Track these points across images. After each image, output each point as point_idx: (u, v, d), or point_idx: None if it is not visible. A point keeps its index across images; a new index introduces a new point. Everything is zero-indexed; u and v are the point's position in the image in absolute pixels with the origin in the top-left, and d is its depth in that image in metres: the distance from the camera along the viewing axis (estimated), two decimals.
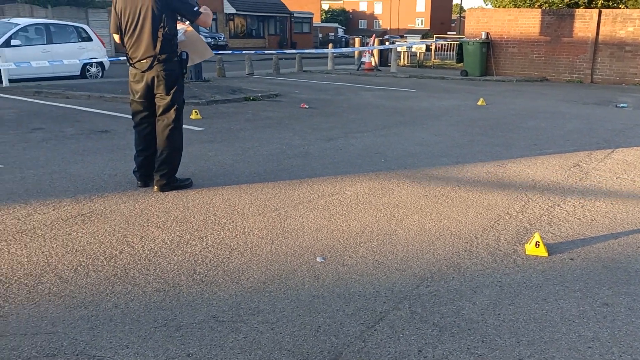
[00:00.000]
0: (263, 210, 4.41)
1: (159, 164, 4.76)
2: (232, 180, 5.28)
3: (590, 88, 15.68)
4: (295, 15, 46.17)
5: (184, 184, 4.94)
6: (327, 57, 21.25)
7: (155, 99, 4.72)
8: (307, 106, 10.48)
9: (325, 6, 76.26)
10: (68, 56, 13.67)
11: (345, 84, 15.74)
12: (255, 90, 12.66)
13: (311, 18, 49.47)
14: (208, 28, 4.40)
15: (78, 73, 14.55)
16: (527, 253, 3.67)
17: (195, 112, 8.85)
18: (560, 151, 6.93)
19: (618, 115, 10.39)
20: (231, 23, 41.82)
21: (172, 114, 4.71)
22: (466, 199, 4.86)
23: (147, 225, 4.00)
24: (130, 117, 4.99)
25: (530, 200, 4.86)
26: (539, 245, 3.67)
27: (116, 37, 4.80)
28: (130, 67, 4.76)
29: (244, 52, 18.75)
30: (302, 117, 9.30)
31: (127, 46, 4.66)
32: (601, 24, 16.45)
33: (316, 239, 3.83)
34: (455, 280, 3.25)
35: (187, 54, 4.80)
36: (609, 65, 16.62)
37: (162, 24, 4.51)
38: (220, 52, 16.74)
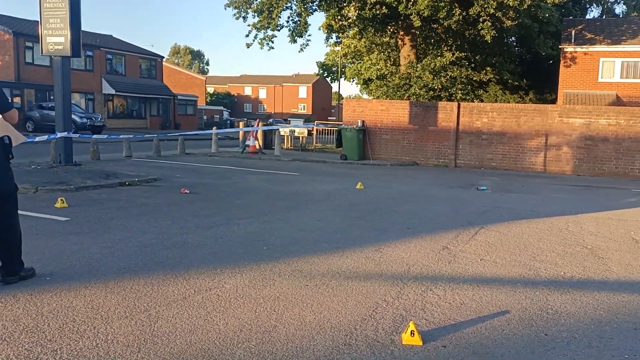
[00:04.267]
0: (131, 311, 4.06)
1: None
2: (97, 277, 4.85)
3: (455, 172, 17.18)
4: (179, 97, 46.19)
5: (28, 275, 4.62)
6: (211, 140, 21.26)
7: None
8: (188, 191, 10.23)
9: (211, 89, 77.48)
10: None
11: (230, 167, 15.72)
12: (132, 174, 12.15)
13: (195, 100, 49.79)
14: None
15: None
16: (403, 343, 3.72)
17: (62, 200, 8.19)
18: (431, 233, 7.35)
19: (479, 197, 11.38)
20: (110, 103, 40.70)
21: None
22: (346, 286, 4.89)
23: None
24: None
25: (405, 285, 5.01)
26: (414, 334, 3.74)
27: None
28: None
29: (121, 136, 18.10)
30: (182, 203, 9.03)
31: None
32: (460, 115, 18.40)
33: (190, 342, 3.58)
34: None
35: (9, 138, 4.58)
36: (469, 151, 18.45)
37: None
38: (94, 136, 16.04)
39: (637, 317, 4.39)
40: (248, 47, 25.87)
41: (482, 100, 29.22)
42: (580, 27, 29.57)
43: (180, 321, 3.93)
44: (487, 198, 11.34)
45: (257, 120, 23.50)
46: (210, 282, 4.87)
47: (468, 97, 27.16)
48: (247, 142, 20.68)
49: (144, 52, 44.28)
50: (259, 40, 24.31)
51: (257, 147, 20.40)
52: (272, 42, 24.32)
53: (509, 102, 27.51)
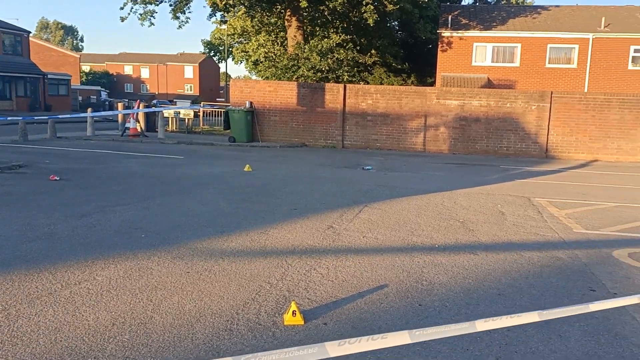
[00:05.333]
0: None
1: None
2: None
3: (342, 153, 17.60)
4: (49, 76, 42.39)
5: None
6: (87, 122, 19.79)
7: None
8: (57, 178, 9.43)
9: (86, 68, 72.10)
10: None
11: (107, 152, 14.76)
12: None
13: (68, 80, 46.06)
14: None
15: None
16: (285, 324, 3.71)
17: None
18: (317, 213, 7.44)
19: (364, 177, 11.75)
20: None
21: None
22: (229, 271, 4.79)
23: None
24: None
25: (290, 266, 5.02)
26: (295, 314, 3.75)
27: None
28: None
29: None
30: (51, 191, 8.31)
31: None
32: (347, 97, 18.80)
33: (54, 341, 3.28)
34: None
35: None
36: (355, 132, 18.97)
37: None
38: None
39: (501, 284, 4.77)
40: (122, 21, 24.27)
41: (367, 83, 30.18)
42: (456, 12, 31.44)
43: (45, 319, 3.60)
44: (371, 177, 11.74)
45: (138, 101, 22.25)
46: (81, 274, 4.52)
47: (354, 79, 27.87)
48: (127, 125, 19.54)
49: (8, 27, 39.95)
50: (139, 16, 23.01)
51: (139, 129, 19.37)
52: (154, 17, 23.15)
53: (393, 85, 28.70)
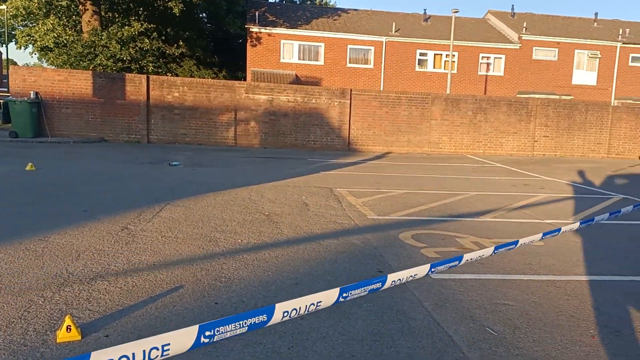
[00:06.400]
0: None
1: None
2: None
3: (148, 148, 16.61)
4: None
5: None
6: None
7: None
8: None
9: None
10: None
11: None
12: None
13: None
14: None
15: None
16: (58, 341, 3.23)
17: None
18: (111, 215, 6.80)
19: (171, 173, 11.20)
20: None
21: None
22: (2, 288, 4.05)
23: None
24: None
25: (71, 275, 4.44)
26: (70, 329, 3.28)
27: None
28: None
29: None
30: None
31: None
32: (151, 89, 17.78)
33: None
34: None
35: None
36: (162, 127, 18.06)
37: None
38: None
39: (299, 273, 4.83)
40: None
41: (177, 75, 29.06)
42: (263, 9, 31.99)
43: None
44: (178, 173, 11.23)
45: None
46: None
47: (161, 71, 26.61)
48: None
49: None
50: None
51: None
52: None
53: (204, 78, 28.08)
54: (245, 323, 2.67)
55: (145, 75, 18.06)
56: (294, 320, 3.67)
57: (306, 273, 4.84)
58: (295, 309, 2.88)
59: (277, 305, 2.92)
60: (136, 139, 17.76)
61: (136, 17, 25.56)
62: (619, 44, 33.17)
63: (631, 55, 33.47)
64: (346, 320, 3.78)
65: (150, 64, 23.22)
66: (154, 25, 24.93)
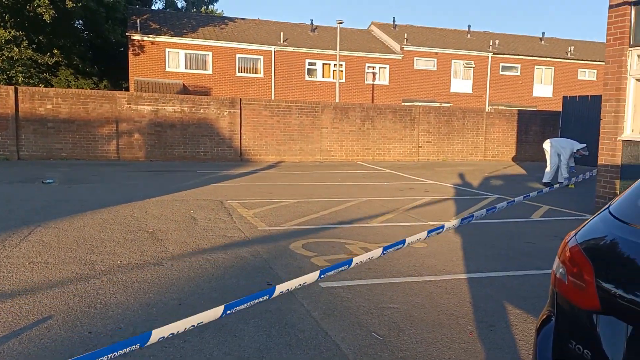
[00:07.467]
0: None
1: None
2: None
3: (18, 165, 15.19)
4: None
5: None
6: None
7: None
8: None
9: None
10: None
11: None
12: None
13: None
14: None
15: None
16: None
17: None
18: None
19: (43, 192, 10.29)
20: None
21: None
22: None
23: None
24: None
25: None
26: None
27: None
28: None
29: None
30: None
31: None
32: (20, 101, 16.30)
33: None
34: None
35: None
36: (34, 142, 16.62)
37: None
38: None
39: (183, 292, 4.60)
40: None
41: (52, 86, 27.02)
42: (145, 16, 30.76)
43: None
44: (52, 192, 10.36)
45: None
46: None
47: (33, 81, 24.60)
48: None
49: None
50: None
51: None
52: None
53: (83, 88, 26.32)
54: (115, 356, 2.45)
55: (13, 87, 16.49)
56: (176, 344, 3.46)
57: (191, 292, 4.62)
58: (172, 333, 2.71)
59: (154, 331, 2.72)
60: (4, 156, 16.16)
61: (2, 24, 23.37)
62: (490, 54, 36.11)
63: (501, 64, 36.58)
64: (232, 339, 3.64)
65: (20, 75, 21.34)
66: (24, 33, 22.96)
